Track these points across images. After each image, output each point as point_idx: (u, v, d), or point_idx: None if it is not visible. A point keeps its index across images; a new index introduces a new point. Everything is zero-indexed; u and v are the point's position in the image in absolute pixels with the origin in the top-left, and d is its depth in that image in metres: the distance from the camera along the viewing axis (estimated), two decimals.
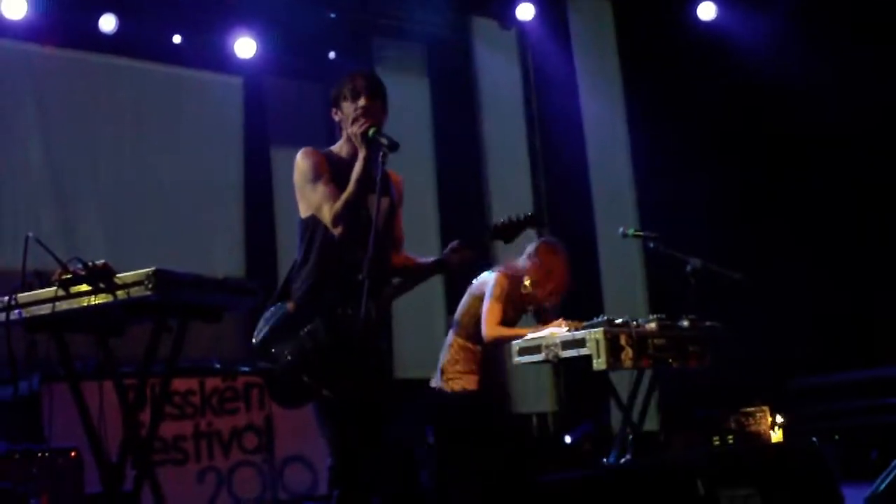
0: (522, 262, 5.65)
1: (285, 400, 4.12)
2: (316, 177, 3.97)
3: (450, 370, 5.57)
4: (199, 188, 8.60)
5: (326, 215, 3.93)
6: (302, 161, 4.01)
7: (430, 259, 4.22)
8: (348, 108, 3.99)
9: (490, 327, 5.50)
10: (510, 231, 4.20)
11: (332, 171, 3.99)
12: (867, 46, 7.89)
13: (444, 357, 5.63)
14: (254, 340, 4.03)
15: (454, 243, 4.12)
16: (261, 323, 4.04)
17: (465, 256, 4.10)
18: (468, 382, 5.53)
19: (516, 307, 5.70)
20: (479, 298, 5.59)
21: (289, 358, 3.89)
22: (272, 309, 4.03)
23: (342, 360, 3.83)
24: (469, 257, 4.13)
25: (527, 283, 5.58)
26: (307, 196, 4.00)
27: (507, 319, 5.62)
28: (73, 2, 7.81)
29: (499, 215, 4.33)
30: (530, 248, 5.67)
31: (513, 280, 5.60)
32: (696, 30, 9.07)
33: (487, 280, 5.60)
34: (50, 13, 7.69)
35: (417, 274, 4.19)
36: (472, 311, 5.60)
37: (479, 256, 4.35)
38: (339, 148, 4.11)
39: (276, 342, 3.95)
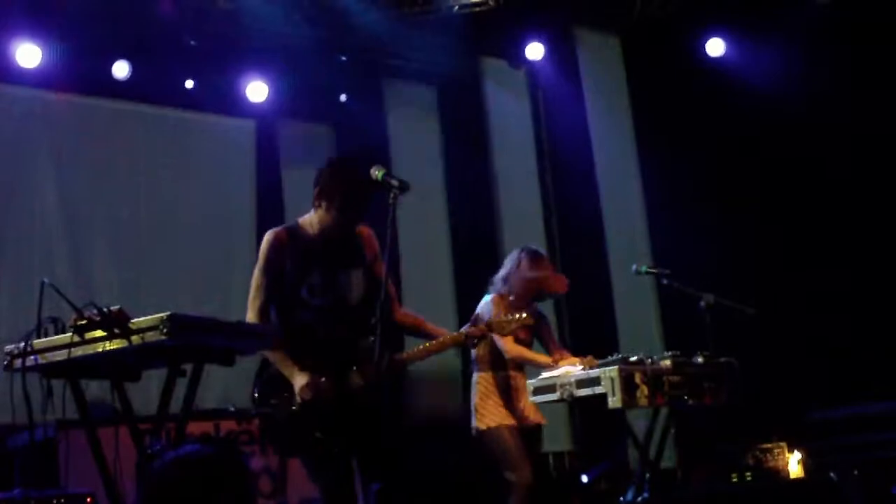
0: (507, 279, 5.66)
1: (283, 448, 4.17)
2: (263, 265, 4.17)
3: (483, 407, 5.55)
4: (212, 230, 8.65)
5: (250, 308, 4.13)
6: (263, 244, 4.20)
7: (440, 332, 4.35)
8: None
9: (509, 346, 5.51)
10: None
11: (292, 250, 4.12)
12: (877, 79, 7.90)
13: (474, 397, 5.62)
14: (254, 395, 4.15)
15: (475, 328, 4.36)
16: (256, 380, 4.17)
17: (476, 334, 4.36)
18: (503, 417, 5.51)
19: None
20: None
21: (293, 408, 3.98)
22: (270, 370, 4.14)
23: (342, 415, 3.92)
24: (482, 335, 4.40)
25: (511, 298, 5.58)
26: (253, 276, 4.17)
27: (521, 339, 5.61)
28: (86, 49, 7.89)
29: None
30: (511, 264, 5.69)
31: (507, 299, 5.60)
32: (705, 66, 9.10)
33: (485, 306, 5.61)
34: (64, 61, 7.77)
35: (434, 347, 4.30)
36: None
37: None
38: (309, 221, 4.20)
39: (274, 394, 4.07)
